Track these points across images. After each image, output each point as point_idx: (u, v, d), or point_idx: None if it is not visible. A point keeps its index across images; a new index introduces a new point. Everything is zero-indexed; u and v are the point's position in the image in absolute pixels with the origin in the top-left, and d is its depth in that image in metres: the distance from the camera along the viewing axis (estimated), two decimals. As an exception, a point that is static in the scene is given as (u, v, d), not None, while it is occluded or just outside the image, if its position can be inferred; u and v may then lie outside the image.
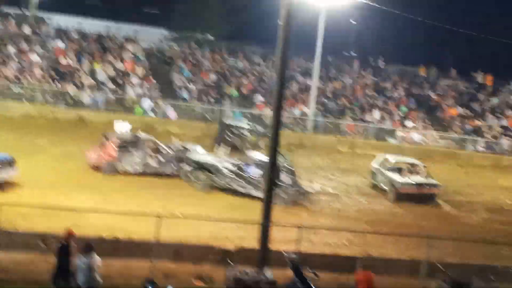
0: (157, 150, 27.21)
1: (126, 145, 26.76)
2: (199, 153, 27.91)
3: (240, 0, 50.53)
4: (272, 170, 17.66)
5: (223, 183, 25.86)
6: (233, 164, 26.29)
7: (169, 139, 30.69)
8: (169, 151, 27.46)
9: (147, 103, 38.41)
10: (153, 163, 26.98)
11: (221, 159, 26.97)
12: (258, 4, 43.46)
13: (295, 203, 25.37)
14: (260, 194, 23.56)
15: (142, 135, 28.18)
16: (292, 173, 26.00)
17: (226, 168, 26.02)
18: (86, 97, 37.55)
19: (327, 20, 39.89)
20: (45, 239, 16.84)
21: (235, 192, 25.61)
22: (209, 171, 26.08)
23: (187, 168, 26.52)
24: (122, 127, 28.50)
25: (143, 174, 26.75)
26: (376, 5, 38.65)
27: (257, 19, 46.70)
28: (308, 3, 36.85)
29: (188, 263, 17.39)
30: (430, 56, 54.04)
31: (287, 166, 26.00)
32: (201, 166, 26.29)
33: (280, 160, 26.05)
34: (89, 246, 14.76)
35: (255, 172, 25.53)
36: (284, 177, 25.37)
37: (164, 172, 27.00)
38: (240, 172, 25.87)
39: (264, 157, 25.95)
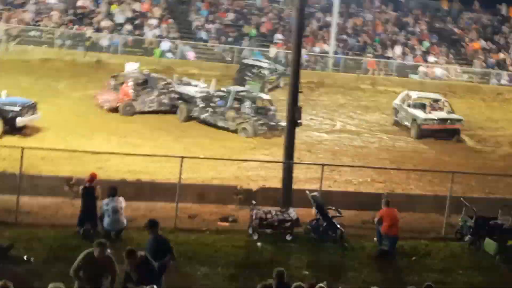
0: (167, 88, 27.47)
1: (141, 84, 26.98)
2: (186, 86, 28.15)
3: None
4: (294, 109, 17.47)
5: (196, 114, 26.14)
6: (207, 95, 26.54)
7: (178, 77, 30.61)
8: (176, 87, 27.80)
9: (165, 44, 38.09)
10: (165, 100, 27.24)
11: (201, 91, 27.23)
12: None
13: (262, 135, 25.16)
14: (226, 124, 25.29)
15: (152, 74, 28.45)
16: (256, 104, 25.95)
17: (200, 99, 26.25)
18: (104, 39, 37.30)
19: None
20: (70, 182, 16.93)
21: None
22: (187, 102, 26.46)
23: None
24: (132, 67, 28.68)
25: (156, 111, 27.02)
26: None
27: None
28: None
29: (212, 204, 17.44)
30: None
31: (252, 97, 26.04)
32: (181, 98, 26.77)
33: (246, 91, 26.27)
34: (113, 188, 14.89)
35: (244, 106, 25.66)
36: (247, 109, 25.39)
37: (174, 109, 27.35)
38: (211, 103, 26.02)
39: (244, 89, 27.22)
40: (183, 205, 16.47)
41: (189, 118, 26.53)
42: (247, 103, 25.62)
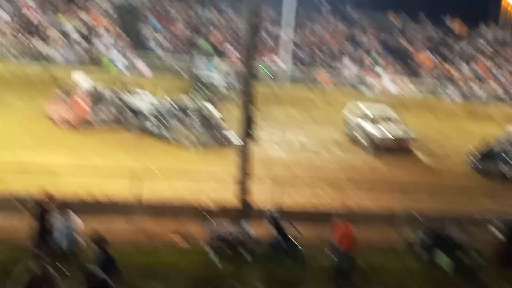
0: (118, 99, 27.31)
1: (95, 97, 26.71)
2: (134, 97, 27.96)
3: None
4: (247, 122, 17.48)
5: (144, 125, 26.14)
6: (154, 106, 26.53)
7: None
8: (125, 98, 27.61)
9: (116, 55, 37.69)
10: (117, 112, 27.01)
11: (149, 102, 27.14)
12: None
13: (208, 146, 25.27)
14: (172, 136, 25.30)
15: (102, 85, 28.17)
16: (204, 116, 26.00)
17: (148, 110, 26.30)
18: (54, 51, 36.70)
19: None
20: (22, 200, 16.56)
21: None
22: (135, 113, 26.49)
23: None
24: (82, 78, 28.22)
25: (108, 124, 26.73)
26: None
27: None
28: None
29: (168, 220, 17.29)
30: (399, 1, 53.66)
31: (197, 109, 26.11)
32: (130, 109, 26.70)
33: (191, 103, 26.36)
34: (66, 206, 14.62)
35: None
36: (192, 121, 25.49)
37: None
38: (158, 115, 26.04)
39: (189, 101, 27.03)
40: (140, 221, 16.29)
41: (137, 129, 26.38)
42: (192, 114, 25.57)
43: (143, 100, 27.62)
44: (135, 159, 22.41)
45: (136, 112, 26.54)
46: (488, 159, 25.96)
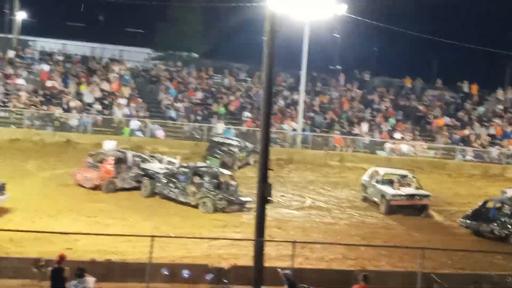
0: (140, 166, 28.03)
1: (120, 162, 27.37)
2: (150, 162, 28.64)
3: (224, 18, 50.63)
4: (264, 186, 17.53)
5: (159, 189, 26.54)
6: (169, 171, 26.96)
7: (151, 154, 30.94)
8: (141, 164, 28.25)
9: (134, 123, 38.28)
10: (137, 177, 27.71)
11: (164, 167, 27.68)
12: (243, 21, 43.52)
13: (222, 210, 25.38)
14: (187, 199, 25.70)
15: (130, 151, 29.00)
16: (220, 180, 26.15)
17: (163, 175, 26.66)
18: (73, 119, 37.37)
19: (311, 35, 39.91)
20: (38, 264, 16.60)
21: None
22: (151, 178, 26.87)
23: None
24: (110, 145, 29.03)
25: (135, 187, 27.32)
26: (359, 18, 38.99)
27: (242, 35, 46.82)
28: (292, 18, 36.89)
29: (183, 283, 17.22)
30: (415, 68, 54.32)
31: (212, 172, 26.29)
32: (146, 174, 27.17)
33: (208, 168, 26.67)
34: (81, 269, 14.60)
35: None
36: (206, 184, 25.64)
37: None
38: (173, 179, 26.31)
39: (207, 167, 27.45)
40: (154, 285, 16.23)
41: (152, 193, 26.80)
42: (207, 178, 25.83)
43: (161, 166, 28.04)
44: (153, 224, 22.51)
45: (154, 177, 26.86)
46: (479, 218, 25.75)
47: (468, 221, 26.12)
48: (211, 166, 27.73)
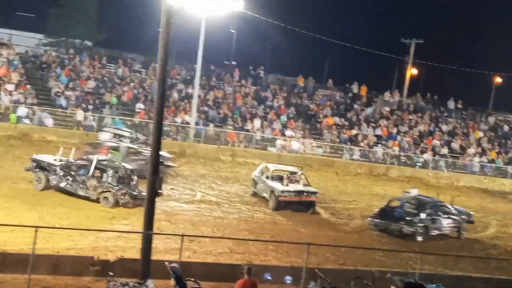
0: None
1: None
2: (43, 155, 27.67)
3: (120, 8, 49.88)
4: (154, 179, 17.44)
5: (55, 182, 25.64)
6: (66, 163, 26.03)
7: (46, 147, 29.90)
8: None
9: (22, 110, 36.99)
10: None
11: (59, 159, 26.58)
12: (139, 11, 43.04)
13: (125, 204, 24.93)
14: (87, 194, 25.04)
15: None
16: (120, 174, 25.64)
17: (59, 167, 25.75)
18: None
19: (208, 29, 39.92)
20: None
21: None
22: (46, 170, 25.87)
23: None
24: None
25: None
26: (256, 15, 39.38)
27: (137, 26, 46.29)
28: (190, 11, 36.80)
29: (67, 276, 16.88)
30: (308, 67, 55.56)
31: (114, 166, 25.88)
32: (39, 165, 26.04)
33: (108, 161, 26.25)
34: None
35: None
36: (108, 178, 25.17)
37: None
38: (71, 172, 25.60)
39: (102, 158, 26.59)
40: (36, 277, 15.83)
41: (47, 186, 25.76)
42: (109, 172, 25.29)
43: (54, 156, 26.96)
44: (38, 214, 21.89)
45: (49, 170, 25.77)
46: (386, 217, 26.87)
47: (377, 220, 27.03)
48: (113, 160, 26.97)
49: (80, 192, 25.16)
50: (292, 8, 52.61)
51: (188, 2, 21.14)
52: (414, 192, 29.20)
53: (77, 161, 26.22)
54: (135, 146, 30.76)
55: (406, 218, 26.60)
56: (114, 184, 25.05)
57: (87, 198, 24.99)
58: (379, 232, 26.70)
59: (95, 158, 26.17)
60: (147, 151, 28.35)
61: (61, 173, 25.51)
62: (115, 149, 29.70)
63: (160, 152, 27.12)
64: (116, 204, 24.81)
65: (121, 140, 33.35)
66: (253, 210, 27.84)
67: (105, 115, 39.04)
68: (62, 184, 25.46)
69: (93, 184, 25.05)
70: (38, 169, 25.94)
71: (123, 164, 26.75)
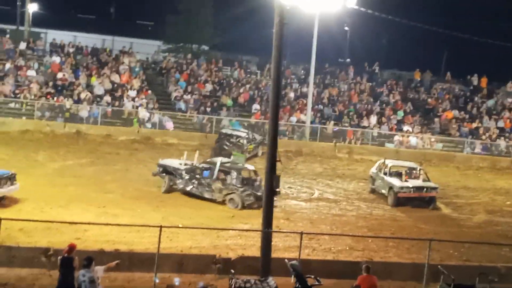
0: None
1: None
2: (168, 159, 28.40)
3: (234, 11, 50.75)
4: (272, 178, 17.66)
5: (181, 186, 26.18)
6: (191, 167, 26.54)
7: (167, 150, 30.81)
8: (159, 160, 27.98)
9: (144, 115, 38.42)
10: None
11: (184, 163, 27.18)
12: (252, 14, 43.62)
13: (250, 205, 25.06)
14: (212, 196, 25.40)
15: None
16: (242, 175, 25.88)
17: (185, 171, 26.28)
18: (83, 110, 37.57)
19: (321, 27, 39.89)
20: (47, 253, 16.82)
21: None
22: (171, 174, 26.48)
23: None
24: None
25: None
26: (369, 10, 38.92)
27: (252, 29, 46.92)
28: (302, 11, 36.82)
29: (191, 273, 17.39)
30: (425, 61, 54.27)
31: (238, 168, 26.08)
32: (165, 170, 26.75)
33: (231, 163, 26.41)
34: (89, 258, 14.73)
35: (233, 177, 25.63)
36: (233, 180, 25.42)
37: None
38: (196, 175, 26.06)
39: (227, 161, 26.92)
40: (162, 275, 16.41)
41: (171, 190, 26.46)
42: (233, 174, 25.75)
43: (179, 161, 27.69)
44: (162, 215, 22.68)
45: (174, 174, 26.47)
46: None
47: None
48: (236, 162, 27.43)
49: (206, 195, 25.70)
50: (406, 1, 51.60)
51: (300, 0, 21.13)
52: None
53: (201, 165, 26.82)
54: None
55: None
56: (239, 185, 25.47)
57: (212, 201, 25.55)
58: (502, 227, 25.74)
59: (218, 161, 26.69)
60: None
61: (187, 177, 26.20)
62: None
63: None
64: (242, 205, 25.14)
65: (239, 141, 33.99)
66: (371, 207, 27.60)
67: (222, 117, 39.83)
68: (188, 188, 26.12)
69: (218, 186, 25.56)
70: (164, 174, 26.82)
71: (246, 165, 27.11)
